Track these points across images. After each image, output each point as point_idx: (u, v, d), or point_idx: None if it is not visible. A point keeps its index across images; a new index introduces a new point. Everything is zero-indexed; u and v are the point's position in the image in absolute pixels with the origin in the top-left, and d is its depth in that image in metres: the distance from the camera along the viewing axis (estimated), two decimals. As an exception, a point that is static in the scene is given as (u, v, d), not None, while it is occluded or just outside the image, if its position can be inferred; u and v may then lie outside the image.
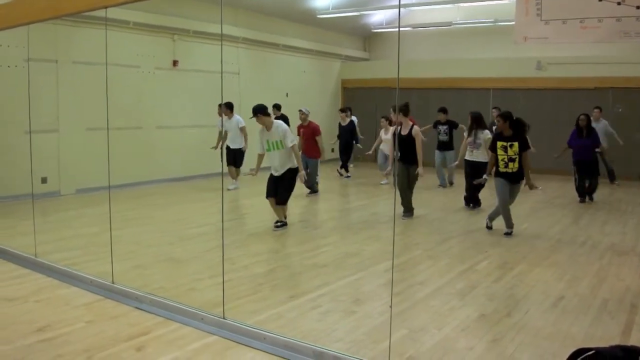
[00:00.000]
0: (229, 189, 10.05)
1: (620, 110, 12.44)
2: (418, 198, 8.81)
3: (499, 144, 6.64)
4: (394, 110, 7.66)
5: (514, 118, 6.66)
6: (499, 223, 6.99)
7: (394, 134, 7.69)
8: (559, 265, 5.49)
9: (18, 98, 8.02)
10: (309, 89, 14.72)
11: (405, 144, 7.62)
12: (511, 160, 6.56)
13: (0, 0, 5.33)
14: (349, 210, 8.27)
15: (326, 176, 12.24)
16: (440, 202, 9.24)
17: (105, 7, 4.55)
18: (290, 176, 6.93)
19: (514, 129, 6.59)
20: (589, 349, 1.99)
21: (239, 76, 12.41)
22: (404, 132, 7.68)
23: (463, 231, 7.07)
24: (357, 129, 12.46)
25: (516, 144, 6.54)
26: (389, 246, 6.11)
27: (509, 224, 6.81)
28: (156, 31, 10.68)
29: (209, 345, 3.54)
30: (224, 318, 3.79)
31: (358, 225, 7.48)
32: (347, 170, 12.30)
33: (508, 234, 6.78)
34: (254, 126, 7.17)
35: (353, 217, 7.94)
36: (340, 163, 12.46)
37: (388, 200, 9.03)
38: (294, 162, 6.92)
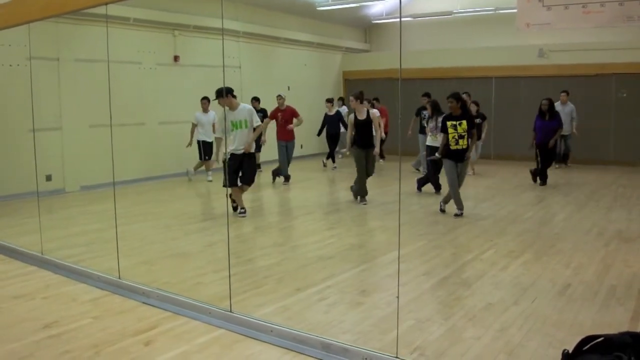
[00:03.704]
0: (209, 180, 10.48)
1: (624, 95, 12.38)
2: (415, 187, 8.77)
3: (449, 123, 7.10)
4: (357, 98, 7.90)
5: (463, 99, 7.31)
6: (503, 212, 6.98)
7: (354, 119, 7.97)
8: (565, 253, 5.48)
9: (21, 97, 8.04)
10: (310, 82, 14.68)
11: (363, 128, 7.93)
12: (461, 137, 7.04)
13: (0, 0, 5.34)
14: (353, 201, 8.26)
15: (318, 168, 12.24)
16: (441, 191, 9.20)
17: (106, 4, 4.55)
18: (251, 160, 7.22)
19: (462, 109, 7.10)
20: (598, 336, 1.98)
21: (241, 70, 12.38)
22: (361, 117, 7.97)
23: (468, 221, 7.05)
24: (345, 118, 12.46)
25: (464, 121, 7.03)
26: (394, 237, 6.11)
27: (460, 205, 7.22)
28: (157, 27, 10.66)
29: (216, 339, 3.55)
30: (230, 311, 3.79)
31: (362, 216, 7.48)
32: (333, 162, 12.39)
33: (458, 215, 7.17)
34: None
35: (357, 208, 7.93)
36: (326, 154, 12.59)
37: (392, 191, 9.01)
38: (253, 144, 7.21)
